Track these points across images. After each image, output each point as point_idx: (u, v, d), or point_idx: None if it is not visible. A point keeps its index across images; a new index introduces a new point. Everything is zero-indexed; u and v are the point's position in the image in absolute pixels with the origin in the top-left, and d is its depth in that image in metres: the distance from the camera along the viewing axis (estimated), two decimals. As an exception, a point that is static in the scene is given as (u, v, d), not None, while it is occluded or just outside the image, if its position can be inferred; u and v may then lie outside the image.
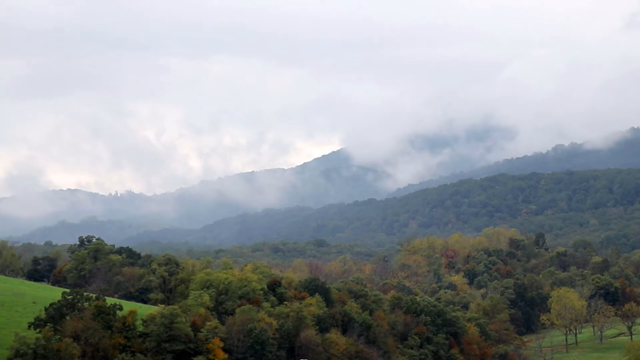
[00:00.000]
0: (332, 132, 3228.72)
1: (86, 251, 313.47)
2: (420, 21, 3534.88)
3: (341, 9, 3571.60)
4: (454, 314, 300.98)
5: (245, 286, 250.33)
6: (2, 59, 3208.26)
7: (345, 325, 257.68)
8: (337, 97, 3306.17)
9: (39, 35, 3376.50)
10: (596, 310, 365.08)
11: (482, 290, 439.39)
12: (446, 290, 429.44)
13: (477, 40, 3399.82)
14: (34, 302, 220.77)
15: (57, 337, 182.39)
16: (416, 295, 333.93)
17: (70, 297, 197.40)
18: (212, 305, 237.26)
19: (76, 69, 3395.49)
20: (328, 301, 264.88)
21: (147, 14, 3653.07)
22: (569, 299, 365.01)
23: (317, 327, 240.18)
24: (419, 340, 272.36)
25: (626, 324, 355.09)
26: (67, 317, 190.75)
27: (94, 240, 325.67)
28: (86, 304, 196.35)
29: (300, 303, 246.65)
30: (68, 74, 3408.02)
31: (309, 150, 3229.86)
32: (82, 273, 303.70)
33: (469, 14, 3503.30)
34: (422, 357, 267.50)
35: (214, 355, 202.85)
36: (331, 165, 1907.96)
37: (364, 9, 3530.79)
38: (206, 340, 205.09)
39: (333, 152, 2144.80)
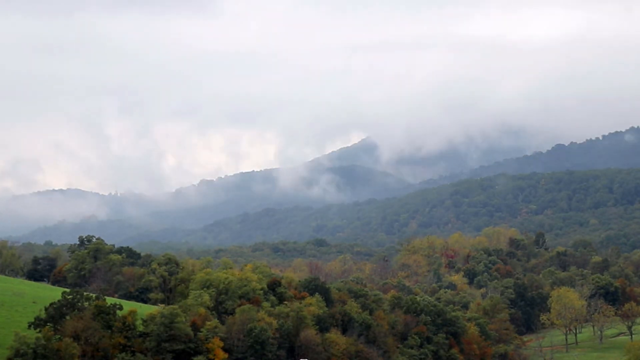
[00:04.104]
0: (332, 132, 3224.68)
1: (86, 251, 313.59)
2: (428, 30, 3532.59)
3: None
4: (454, 313, 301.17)
5: (245, 286, 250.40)
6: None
7: (345, 325, 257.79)
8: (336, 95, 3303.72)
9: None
10: (596, 310, 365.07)
11: (482, 290, 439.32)
12: (446, 290, 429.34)
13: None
14: (34, 302, 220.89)
15: (57, 336, 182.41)
16: (416, 295, 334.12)
17: (70, 296, 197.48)
18: (212, 305, 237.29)
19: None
20: (328, 301, 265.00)
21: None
22: (569, 298, 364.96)
23: (317, 326, 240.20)
24: (419, 340, 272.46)
25: (626, 323, 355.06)
26: (67, 317, 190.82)
27: (94, 240, 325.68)
28: (86, 304, 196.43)
29: (300, 303, 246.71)
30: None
31: (308, 150, 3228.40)
32: (82, 273, 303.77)
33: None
34: (422, 356, 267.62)
35: (214, 355, 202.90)
36: (331, 165, 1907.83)
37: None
38: (206, 340, 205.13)
39: (333, 151, 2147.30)
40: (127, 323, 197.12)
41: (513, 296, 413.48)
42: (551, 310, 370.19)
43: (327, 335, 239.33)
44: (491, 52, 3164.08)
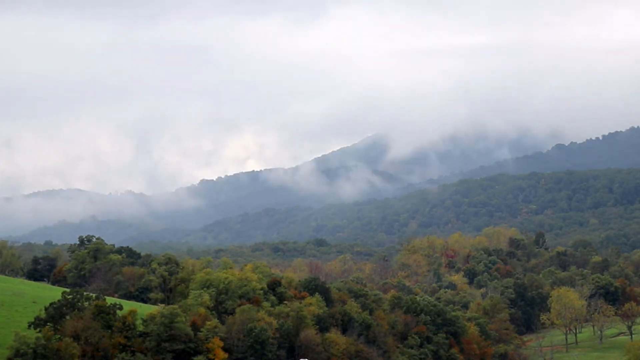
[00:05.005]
0: (330, 132, 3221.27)
1: (86, 251, 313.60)
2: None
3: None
4: (453, 313, 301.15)
5: (245, 286, 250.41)
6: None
7: (345, 324, 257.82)
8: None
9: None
10: (596, 309, 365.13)
11: (482, 290, 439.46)
12: (446, 289, 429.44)
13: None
14: (34, 302, 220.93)
15: (57, 336, 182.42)
16: (416, 295, 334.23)
17: (70, 296, 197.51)
18: (212, 304, 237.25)
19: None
20: (328, 301, 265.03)
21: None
22: (569, 298, 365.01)
23: (317, 326, 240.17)
24: (419, 340, 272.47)
25: (626, 323, 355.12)
26: (67, 317, 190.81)
27: (94, 239, 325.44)
28: (86, 304, 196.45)
29: (300, 303, 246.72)
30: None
31: (309, 149, 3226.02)
32: (82, 273, 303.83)
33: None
34: (422, 356, 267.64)
35: (214, 354, 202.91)
36: (331, 165, 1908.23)
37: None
38: (206, 340, 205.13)
39: (333, 151, 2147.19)
40: (127, 323, 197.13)
41: (513, 296, 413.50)
42: (551, 310, 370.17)
43: (327, 335, 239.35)
44: (534, 56, 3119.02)
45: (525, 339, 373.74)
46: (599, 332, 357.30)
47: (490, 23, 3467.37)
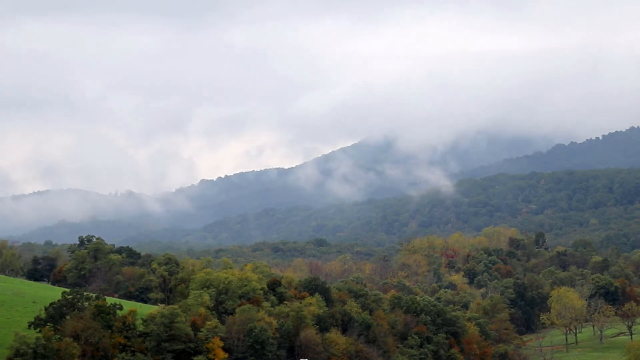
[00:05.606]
0: (330, 132, 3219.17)
1: (86, 251, 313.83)
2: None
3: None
4: (454, 313, 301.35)
5: (245, 286, 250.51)
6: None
7: (345, 324, 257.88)
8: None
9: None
10: (596, 309, 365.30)
11: (482, 290, 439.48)
12: (446, 289, 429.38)
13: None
14: (34, 302, 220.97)
15: (57, 336, 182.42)
16: (416, 295, 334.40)
17: (70, 296, 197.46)
18: (212, 304, 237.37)
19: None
20: (328, 301, 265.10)
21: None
22: (569, 298, 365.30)
23: (317, 326, 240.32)
24: (419, 340, 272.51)
25: (626, 323, 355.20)
26: (67, 317, 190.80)
27: (94, 239, 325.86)
28: (86, 304, 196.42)
29: (300, 302, 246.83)
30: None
31: (308, 150, 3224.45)
32: (82, 273, 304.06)
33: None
34: (422, 356, 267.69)
35: (214, 354, 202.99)
36: (331, 165, 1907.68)
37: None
38: (206, 340, 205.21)
39: (333, 151, 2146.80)
40: (127, 323, 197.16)
41: (513, 296, 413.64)
42: (551, 310, 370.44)
43: (327, 335, 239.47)
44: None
45: (525, 339, 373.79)
46: (599, 332, 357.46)
47: (493, 27, 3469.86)
